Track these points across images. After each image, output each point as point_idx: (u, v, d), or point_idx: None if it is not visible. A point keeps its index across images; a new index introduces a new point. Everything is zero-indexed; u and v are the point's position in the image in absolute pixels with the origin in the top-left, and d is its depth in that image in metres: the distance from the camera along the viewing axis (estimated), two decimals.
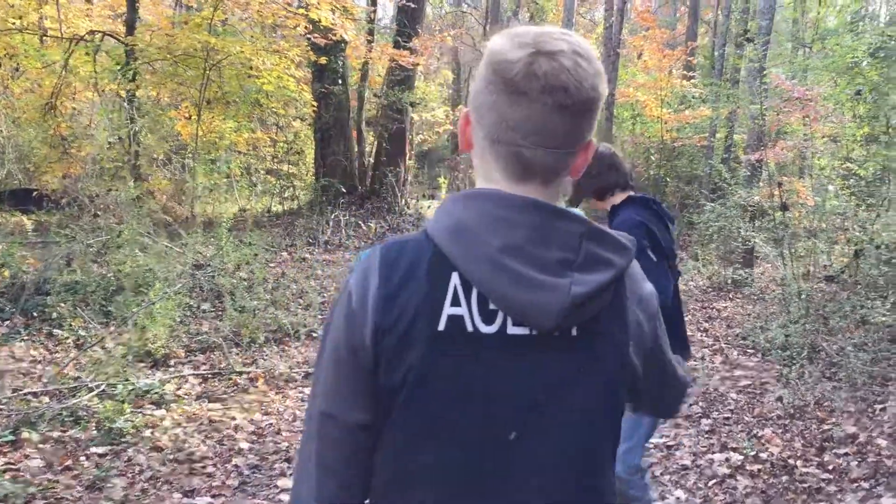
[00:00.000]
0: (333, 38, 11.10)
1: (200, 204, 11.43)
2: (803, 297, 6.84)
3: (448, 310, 0.97)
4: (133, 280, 6.11)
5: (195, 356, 5.44)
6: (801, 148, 8.22)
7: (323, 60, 12.43)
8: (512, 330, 0.98)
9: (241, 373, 5.09)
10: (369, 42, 14.32)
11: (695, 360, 5.88)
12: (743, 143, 11.96)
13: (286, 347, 5.94)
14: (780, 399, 4.73)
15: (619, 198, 2.77)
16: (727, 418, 4.57)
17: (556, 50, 0.95)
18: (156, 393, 4.52)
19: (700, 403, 4.85)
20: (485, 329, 0.98)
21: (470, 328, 0.97)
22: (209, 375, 5.04)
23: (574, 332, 0.99)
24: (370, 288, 1.00)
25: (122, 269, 6.41)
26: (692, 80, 15.15)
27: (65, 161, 11.48)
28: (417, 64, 14.43)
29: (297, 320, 6.38)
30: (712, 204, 9.26)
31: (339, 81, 13.90)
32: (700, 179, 13.38)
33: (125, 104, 10.75)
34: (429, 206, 14.20)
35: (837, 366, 5.54)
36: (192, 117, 11.94)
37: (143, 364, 5.09)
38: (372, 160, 15.12)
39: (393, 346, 0.97)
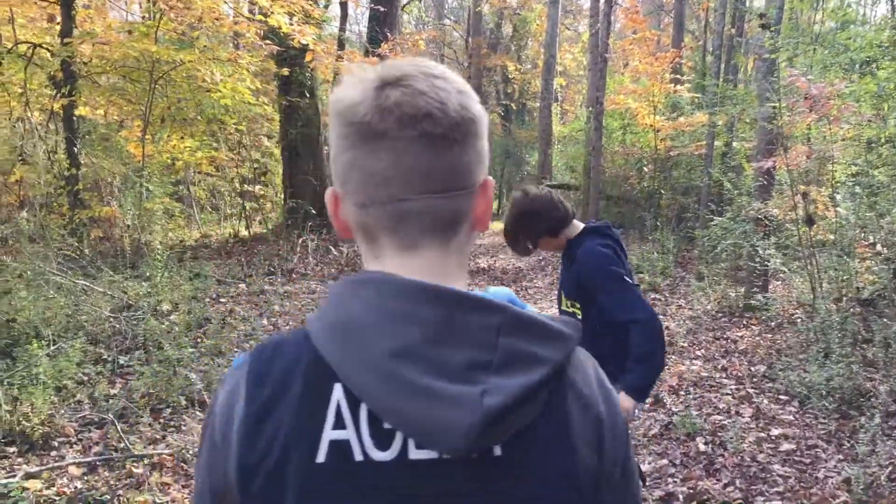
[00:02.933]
0: (292, 44, 10.03)
1: (155, 233, 10.24)
2: (838, 328, 5.76)
3: (329, 434, 0.71)
4: (25, 332, 4.96)
5: (89, 432, 4.26)
6: (822, 152, 7.13)
7: (285, 71, 11.39)
8: (415, 454, 0.71)
9: (141, 457, 3.92)
10: (340, 50, 13.26)
11: (721, 416, 4.76)
12: (746, 151, 10.91)
13: None
14: (847, 481, 3.60)
15: (573, 230, 2.65)
16: None
17: (401, 75, 0.74)
18: (12, 497, 3.36)
19: (738, 482, 3.72)
20: (378, 456, 0.71)
21: (359, 457, 0.71)
22: (97, 462, 3.87)
23: (497, 451, 0.72)
24: (236, 411, 0.73)
25: (16, 316, 5.25)
26: (685, 86, 14.14)
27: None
28: None
29: None
30: (719, 218, 8.19)
31: (307, 94, 12.83)
32: (698, 191, 12.33)
33: (60, 123, 9.63)
34: None
35: None
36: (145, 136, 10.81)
37: (13, 449, 3.92)
38: None
39: (262, 490, 0.70)
